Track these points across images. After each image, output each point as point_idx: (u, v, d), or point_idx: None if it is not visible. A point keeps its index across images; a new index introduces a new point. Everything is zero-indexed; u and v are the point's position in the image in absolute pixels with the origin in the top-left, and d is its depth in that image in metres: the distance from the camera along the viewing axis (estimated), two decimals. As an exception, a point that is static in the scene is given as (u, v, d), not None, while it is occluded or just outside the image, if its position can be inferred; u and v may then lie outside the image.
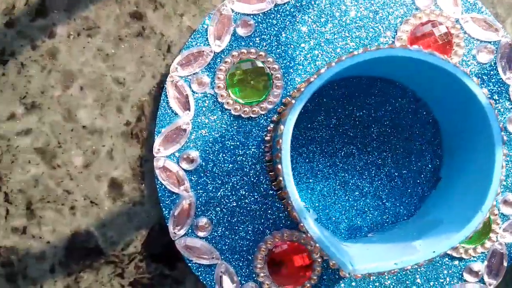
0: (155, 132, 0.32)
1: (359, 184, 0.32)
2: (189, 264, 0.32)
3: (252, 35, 0.32)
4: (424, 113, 0.32)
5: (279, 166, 0.25)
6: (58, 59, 0.33)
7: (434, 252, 0.25)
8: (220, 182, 0.32)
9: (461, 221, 0.26)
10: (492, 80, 0.32)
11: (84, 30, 0.33)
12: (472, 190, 0.27)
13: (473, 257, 0.32)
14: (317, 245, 0.25)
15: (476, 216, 0.25)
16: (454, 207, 0.28)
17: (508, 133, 0.32)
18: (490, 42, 0.32)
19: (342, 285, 0.32)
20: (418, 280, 0.32)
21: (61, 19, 0.33)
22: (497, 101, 0.32)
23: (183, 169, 0.32)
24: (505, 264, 0.32)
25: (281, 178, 0.25)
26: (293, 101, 0.25)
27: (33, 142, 0.33)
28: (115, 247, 0.33)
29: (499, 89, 0.32)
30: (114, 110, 0.33)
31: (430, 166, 0.32)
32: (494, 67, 0.32)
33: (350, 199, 0.32)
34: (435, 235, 0.27)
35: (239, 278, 0.32)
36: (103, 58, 0.33)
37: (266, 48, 0.32)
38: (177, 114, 0.32)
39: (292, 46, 0.32)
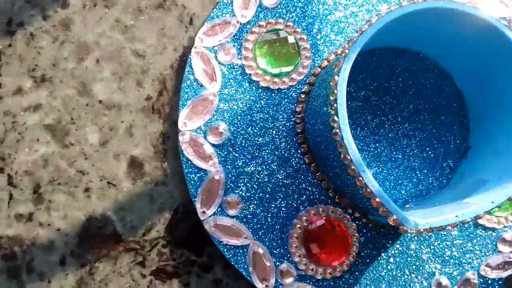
0: (180, 105, 0.30)
1: (392, 155, 0.31)
2: (218, 247, 0.29)
3: (278, 7, 0.32)
4: (448, 84, 0.32)
5: (335, 118, 0.24)
6: (72, 30, 0.30)
7: (493, 202, 0.25)
8: (250, 156, 0.30)
9: (509, 172, 0.25)
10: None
11: (101, 1, 0.31)
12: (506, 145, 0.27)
13: (505, 226, 0.32)
14: (377, 199, 0.24)
15: (530, 166, 0.25)
16: (497, 167, 0.28)
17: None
18: (501, 18, 0.34)
19: (381, 260, 0.30)
20: (455, 253, 0.31)
21: (76, -11, 0.31)
22: None
23: (210, 143, 0.30)
24: (535, 233, 0.32)
25: (337, 131, 0.24)
26: (347, 51, 0.24)
27: (43, 118, 0.30)
28: (135, 233, 0.30)
29: None
30: (133, 84, 0.31)
31: (458, 136, 0.32)
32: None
33: (384, 171, 0.31)
34: (485, 191, 0.26)
35: (273, 258, 0.30)
36: (122, 29, 0.31)
37: (292, 19, 0.31)
38: (203, 85, 0.30)
39: (318, 18, 0.32)
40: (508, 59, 0.27)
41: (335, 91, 0.24)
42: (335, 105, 0.24)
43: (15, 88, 0.30)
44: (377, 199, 0.24)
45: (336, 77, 0.24)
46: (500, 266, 0.31)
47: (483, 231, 0.32)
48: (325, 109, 0.26)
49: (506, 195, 0.25)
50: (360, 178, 0.24)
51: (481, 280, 0.31)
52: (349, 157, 0.24)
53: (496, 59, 0.28)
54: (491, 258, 0.31)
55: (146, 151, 0.30)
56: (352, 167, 0.24)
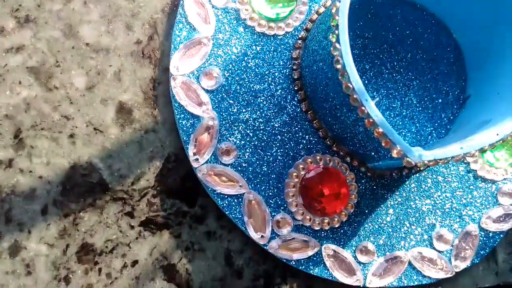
0: (172, 48, 0.29)
1: (391, 105, 0.31)
2: (211, 196, 0.28)
3: (274, -47, 0.31)
4: (445, 35, 0.32)
5: (337, 45, 0.23)
6: (58, -30, 0.29)
7: (497, 134, 0.24)
8: (244, 103, 0.29)
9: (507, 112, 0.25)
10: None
11: None
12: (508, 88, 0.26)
13: (505, 178, 0.31)
14: (379, 129, 0.23)
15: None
16: (499, 108, 0.27)
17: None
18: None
19: (380, 212, 0.29)
20: (455, 205, 0.30)
21: None
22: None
23: (204, 88, 0.29)
24: (535, 186, 0.31)
25: (338, 58, 0.23)
26: (348, -24, 0.23)
27: (26, 60, 0.28)
28: (124, 182, 0.28)
29: None
30: (122, 27, 0.29)
31: (456, 87, 0.31)
32: None
33: (382, 120, 0.30)
34: (488, 128, 0.25)
35: (269, 208, 0.28)
36: (111, -29, 0.30)
37: (288, -34, 0.31)
38: (196, 29, 0.29)
39: (314, -35, 0.31)
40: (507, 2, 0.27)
41: (337, 17, 0.23)
42: (336, 31, 0.23)
43: (-4, 28, 0.28)
44: (380, 129, 0.23)
45: (337, 3, 0.23)
46: (501, 219, 0.31)
47: (483, 183, 0.31)
48: (324, 42, 0.25)
49: (511, 128, 0.24)
50: (363, 108, 0.23)
51: (482, 233, 0.30)
52: (351, 86, 0.23)
53: (493, 5, 0.28)
54: (491, 211, 0.31)
55: (135, 97, 0.29)
56: (355, 96, 0.23)
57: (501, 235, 0.30)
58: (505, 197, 0.31)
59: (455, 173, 0.31)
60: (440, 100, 0.31)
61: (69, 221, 0.27)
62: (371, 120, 0.23)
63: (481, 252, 0.30)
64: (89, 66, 0.28)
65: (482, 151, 0.24)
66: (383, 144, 0.23)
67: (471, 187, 0.31)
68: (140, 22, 0.29)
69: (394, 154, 0.23)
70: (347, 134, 0.27)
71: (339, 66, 0.23)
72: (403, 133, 0.30)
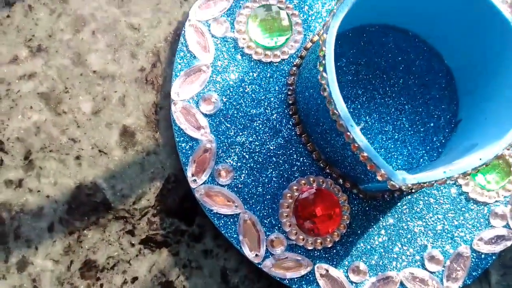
0: (173, 75, 0.30)
1: (383, 129, 0.32)
2: (208, 215, 0.29)
3: (271, -16, 0.32)
4: (437, 61, 0.33)
5: (324, 74, 0.24)
6: (69, 3, 0.31)
7: (480, 159, 0.25)
8: (241, 126, 0.31)
9: (499, 135, 0.26)
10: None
11: (98, -24, 0.32)
12: (503, 110, 0.27)
13: (497, 201, 0.32)
14: (364, 154, 0.24)
15: (517, 123, 0.25)
16: (486, 132, 0.28)
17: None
18: None
19: (372, 232, 0.30)
20: (447, 227, 0.31)
21: (74, -35, 0.32)
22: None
23: (202, 113, 0.30)
24: (527, 208, 0.32)
25: (325, 86, 0.24)
26: (335, 10, 0.25)
27: (37, 86, 0.30)
28: (125, 201, 0.30)
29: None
30: (127, 55, 0.31)
31: (447, 111, 0.32)
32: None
33: (375, 144, 0.31)
34: (473, 152, 0.26)
35: (264, 228, 0.29)
36: (118, 3, 0.32)
37: (285, -4, 0.32)
38: (196, 57, 0.31)
39: (310, -4, 0.33)
40: (494, 31, 0.28)
41: (324, 48, 0.25)
42: (323, 61, 0.25)
43: (11, 57, 0.30)
44: (365, 153, 0.24)
45: (324, 35, 0.25)
46: (493, 241, 0.31)
47: (475, 205, 0.31)
48: (314, 71, 0.27)
49: (494, 153, 0.25)
50: (348, 133, 0.24)
51: (474, 255, 0.31)
52: (337, 112, 0.24)
53: (482, 33, 0.29)
54: (483, 233, 0.31)
55: (138, 120, 0.30)
56: (340, 122, 0.24)
57: (493, 257, 0.31)
58: (497, 219, 0.32)
59: (447, 195, 0.31)
60: (432, 124, 0.32)
61: (74, 239, 0.29)
62: (356, 145, 0.24)
63: (473, 273, 0.31)
64: (96, 92, 0.30)
65: (466, 175, 0.25)
66: (368, 168, 0.24)
67: (463, 209, 0.31)
68: (144, 50, 0.31)
69: (379, 177, 0.24)
70: (338, 157, 0.28)
71: (325, 94, 0.25)
72: (395, 156, 0.31)
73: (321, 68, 0.25)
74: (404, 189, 0.24)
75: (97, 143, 0.30)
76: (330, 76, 0.24)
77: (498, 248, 0.31)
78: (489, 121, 0.28)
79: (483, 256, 0.31)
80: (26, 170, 0.29)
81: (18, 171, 0.29)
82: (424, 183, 0.24)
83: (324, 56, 0.25)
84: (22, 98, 0.30)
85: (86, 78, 0.30)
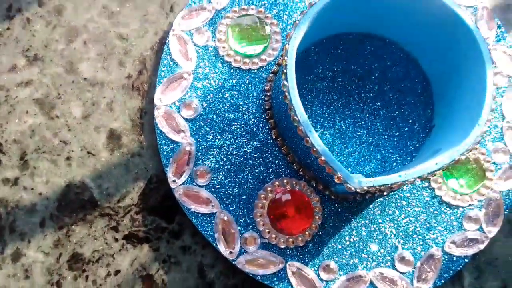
0: (157, 82, 0.32)
1: (356, 133, 0.33)
2: (187, 214, 0.31)
3: (252, -5, 0.34)
4: (414, 67, 0.34)
5: (285, 82, 0.26)
6: (64, 15, 0.34)
7: (436, 164, 0.26)
8: (220, 130, 0.32)
9: (459, 141, 0.26)
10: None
11: (90, -10, 0.34)
12: (466, 117, 0.28)
13: (470, 204, 0.32)
14: (322, 158, 0.25)
15: (474, 130, 0.26)
16: (450, 138, 0.29)
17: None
18: (468, 7, 0.35)
19: (343, 233, 0.31)
20: (419, 229, 0.32)
21: (69, -20, 0.34)
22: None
23: (183, 117, 0.32)
24: (502, 212, 0.32)
25: (286, 94, 0.26)
26: (297, 22, 0.26)
27: (33, 93, 0.33)
28: (111, 199, 0.32)
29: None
30: (116, 63, 0.33)
31: (423, 116, 0.33)
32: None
33: (348, 148, 0.33)
34: (436, 157, 0.27)
35: (239, 227, 0.31)
36: (108, 15, 0.34)
37: (265, 6, 0.34)
38: (178, 64, 0.33)
39: (289, 5, 0.34)
40: (460, 39, 0.28)
41: (286, 58, 0.26)
42: (285, 70, 0.26)
43: (10, 66, 0.33)
44: (323, 158, 0.25)
45: (287, 45, 0.26)
46: (465, 244, 0.32)
47: (448, 209, 0.32)
48: (282, 78, 0.28)
49: (450, 158, 0.26)
50: (307, 138, 0.26)
51: (446, 257, 0.31)
52: (297, 118, 0.26)
53: (451, 41, 0.30)
54: (456, 236, 0.32)
55: (124, 124, 0.33)
56: (300, 127, 0.26)
57: (466, 260, 0.32)
58: (470, 222, 0.32)
59: (420, 198, 0.32)
60: (406, 129, 0.33)
61: (63, 233, 0.31)
62: (315, 149, 0.26)
63: (445, 275, 0.31)
64: (86, 97, 0.33)
65: (422, 178, 0.26)
66: (327, 171, 0.26)
67: (436, 212, 0.32)
68: (131, 59, 0.34)
69: (336, 179, 0.25)
70: (307, 160, 0.30)
71: (287, 101, 0.26)
72: (369, 160, 0.32)
73: (283, 77, 0.26)
74: (360, 192, 0.25)
75: (86, 145, 0.32)
76: (291, 84, 0.26)
77: (470, 251, 0.32)
78: (454, 128, 0.29)
79: (455, 258, 0.32)
80: (21, 170, 0.32)
81: (14, 170, 0.32)
82: (380, 186, 0.25)
83: (286, 65, 0.26)
84: (19, 103, 0.32)
85: (77, 85, 0.33)
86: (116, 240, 0.31)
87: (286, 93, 0.26)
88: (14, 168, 0.32)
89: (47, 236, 0.31)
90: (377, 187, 0.25)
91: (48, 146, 0.32)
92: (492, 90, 0.26)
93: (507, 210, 0.33)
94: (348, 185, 0.25)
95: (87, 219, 0.31)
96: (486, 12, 0.35)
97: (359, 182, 0.25)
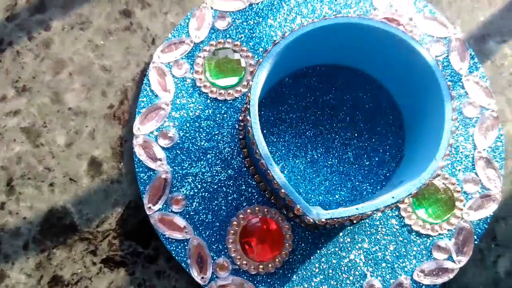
0: (136, 112, 0.34)
1: (328, 162, 0.34)
2: (162, 239, 0.32)
3: (229, 29, 0.36)
4: (385, 98, 0.35)
5: (248, 117, 0.27)
6: (52, 48, 0.36)
7: (393, 198, 0.26)
8: (196, 159, 0.34)
9: (419, 174, 0.27)
10: (446, 71, 0.35)
11: (77, 24, 0.36)
12: (428, 151, 0.29)
13: (440, 234, 0.33)
14: (282, 190, 0.26)
15: (431, 164, 0.27)
16: (413, 171, 0.29)
17: (464, 117, 0.35)
18: (441, 38, 0.36)
19: (313, 260, 0.32)
20: (388, 257, 0.32)
21: (58, 15, 0.36)
22: (453, 89, 0.35)
23: (160, 146, 0.34)
24: (472, 242, 0.33)
25: (249, 129, 0.27)
26: (261, 60, 0.28)
27: (20, 122, 0.34)
28: (90, 224, 0.33)
29: (453, 78, 0.35)
30: (99, 94, 0.35)
31: (393, 146, 0.34)
32: (447, 60, 0.36)
33: (320, 177, 0.33)
34: (396, 189, 0.28)
35: (211, 253, 0.32)
36: (93, 48, 0.36)
37: (241, 39, 0.35)
38: (157, 95, 0.34)
39: (264, 39, 0.35)
40: (421, 72, 0.29)
41: (249, 94, 0.27)
42: (248, 106, 0.27)
43: (0, 96, 0.35)
44: (283, 190, 0.26)
45: (251, 82, 0.28)
46: (434, 273, 0.32)
47: (417, 237, 0.33)
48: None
49: (407, 191, 0.26)
50: (269, 171, 0.27)
51: (415, 286, 0.32)
52: (259, 152, 0.27)
53: (415, 74, 0.30)
54: (425, 264, 0.32)
55: (105, 152, 0.34)
56: (262, 161, 0.27)
57: (435, 288, 0.32)
58: (440, 252, 0.33)
59: (389, 227, 0.33)
60: (377, 158, 0.34)
61: (44, 256, 0.33)
62: (275, 182, 0.27)
63: (413, 304, 0.32)
64: (70, 126, 0.34)
65: (379, 211, 0.27)
66: (287, 202, 0.27)
67: (405, 240, 0.33)
68: (114, 89, 0.35)
69: (296, 211, 0.26)
70: (273, 190, 0.31)
71: (250, 136, 0.27)
72: (339, 189, 0.33)
73: (247, 112, 0.27)
74: (319, 223, 0.26)
75: (68, 172, 0.34)
76: (254, 120, 0.27)
77: (440, 280, 0.32)
78: (417, 160, 0.30)
79: (423, 287, 0.32)
80: (8, 195, 0.33)
81: (1, 195, 0.33)
82: (337, 218, 0.26)
83: (249, 101, 0.27)
84: (7, 132, 0.34)
85: (62, 115, 0.35)
86: (94, 263, 0.33)
87: (249, 128, 0.27)
88: (1, 193, 0.33)
89: (29, 258, 0.33)
90: (335, 219, 0.26)
91: (33, 173, 0.34)
92: (450, 126, 0.27)
93: (478, 239, 0.33)
94: (307, 217, 0.26)
95: (67, 243, 0.33)
96: (459, 43, 0.36)
97: (318, 214, 0.26)
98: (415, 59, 0.29)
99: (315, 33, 0.28)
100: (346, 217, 0.26)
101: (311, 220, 0.26)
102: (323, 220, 0.26)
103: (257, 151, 0.27)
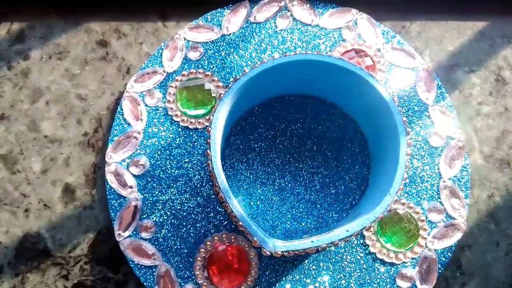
0: (109, 140, 0.35)
1: (295, 190, 0.34)
2: (131, 265, 0.33)
3: (201, 59, 0.37)
4: (352, 127, 0.35)
5: (208, 151, 0.28)
6: (30, 77, 0.37)
7: (347, 231, 0.27)
8: (166, 186, 0.34)
9: (374, 207, 0.28)
10: (413, 101, 0.36)
11: (55, 54, 0.37)
12: (385, 183, 0.29)
13: (404, 262, 0.33)
14: (240, 223, 0.27)
15: (385, 198, 0.27)
16: (371, 203, 0.30)
17: (430, 146, 0.35)
18: (409, 68, 0.37)
19: (279, 286, 0.33)
20: (353, 285, 0.33)
21: (36, 45, 0.38)
22: (419, 119, 0.36)
23: (132, 174, 0.35)
24: (436, 270, 0.33)
25: (209, 162, 0.28)
26: (222, 94, 0.29)
27: (-2, 149, 0.36)
28: (63, 249, 0.34)
29: (419, 108, 0.36)
30: (74, 122, 0.36)
31: (359, 174, 0.35)
32: (414, 90, 0.36)
33: (286, 204, 0.34)
34: (353, 221, 0.29)
35: (179, 279, 0.33)
36: (69, 77, 0.37)
37: (213, 69, 0.36)
38: (130, 124, 0.35)
39: (235, 69, 0.36)
40: (383, 111, 0.30)
41: (210, 128, 0.28)
42: (209, 140, 0.28)
43: (-21, 124, 0.36)
44: (240, 223, 0.27)
45: (211, 117, 0.29)
46: (398, 301, 0.33)
47: (381, 266, 0.33)
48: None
49: (361, 225, 0.27)
50: (226, 204, 0.27)
51: (378, 313, 0.33)
52: (217, 185, 0.28)
53: (378, 111, 0.31)
54: (388, 292, 0.33)
55: (78, 179, 0.35)
56: (220, 194, 0.28)
57: (398, 316, 0.33)
58: (404, 280, 0.33)
59: (354, 254, 0.33)
60: (343, 187, 0.35)
61: (18, 280, 0.34)
62: (233, 214, 0.27)
63: (376, 331, 0.32)
64: (45, 154, 0.36)
65: (334, 244, 0.27)
66: (245, 234, 0.27)
67: (370, 268, 0.33)
68: (89, 117, 0.36)
69: (253, 243, 0.27)
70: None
71: (210, 169, 0.28)
72: (306, 217, 0.34)
73: (207, 146, 0.28)
74: (275, 255, 0.27)
75: (43, 198, 0.35)
76: (213, 154, 0.28)
77: (403, 307, 0.33)
78: (376, 192, 0.30)
79: (387, 315, 0.33)
80: (-16, 220, 0.34)
81: (-22, 220, 0.34)
82: (293, 251, 0.27)
83: (209, 136, 0.28)
84: (-15, 158, 0.35)
85: (38, 142, 0.36)
86: (66, 288, 0.34)
87: (209, 161, 0.28)
88: (-23, 218, 0.35)
89: (4, 282, 0.34)
90: (291, 251, 0.27)
91: (9, 199, 0.35)
92: (405, 160, 0.28)
93: (442, 268, 0.33)
94: (263, 249, 0.27)
95: (40, 267, 0.34)
96: (426, 73, 0.37)
97: (274, 246, 0.27)
98: (373, 93, 0.30)
99: (276, 69, 0.29)
100: (301, 249, 0.27)
101: (268, 253, 0.27)
102: (279, 252, 0.27)
103: (216, 184, 0.28)
